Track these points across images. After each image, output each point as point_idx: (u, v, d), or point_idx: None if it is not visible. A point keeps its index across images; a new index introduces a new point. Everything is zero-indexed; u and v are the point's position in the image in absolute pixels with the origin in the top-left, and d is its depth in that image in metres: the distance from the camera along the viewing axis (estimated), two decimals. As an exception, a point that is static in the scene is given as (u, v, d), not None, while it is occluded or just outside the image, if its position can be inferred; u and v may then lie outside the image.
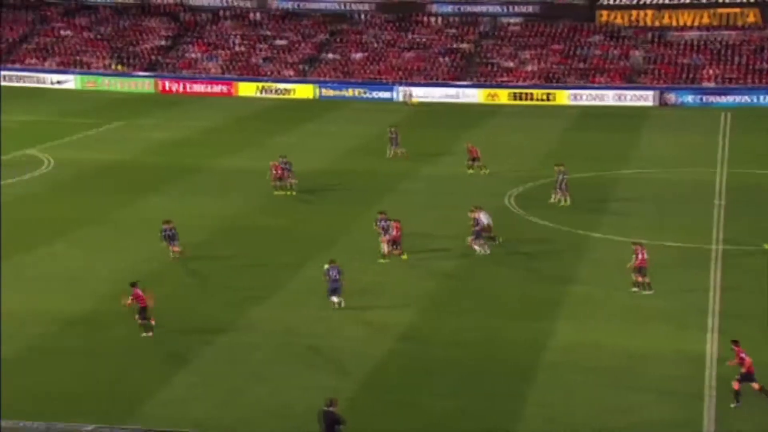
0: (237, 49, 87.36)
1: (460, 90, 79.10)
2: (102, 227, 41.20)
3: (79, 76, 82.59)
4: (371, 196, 45.55)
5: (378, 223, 37.40)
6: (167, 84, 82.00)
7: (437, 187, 48.63)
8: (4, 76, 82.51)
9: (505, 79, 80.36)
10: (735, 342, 25.67)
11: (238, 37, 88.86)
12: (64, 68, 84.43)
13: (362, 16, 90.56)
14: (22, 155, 54.07)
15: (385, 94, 79.54)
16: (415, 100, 77.46)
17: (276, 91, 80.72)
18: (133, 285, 30.16)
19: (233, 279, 35.01)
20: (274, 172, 46.68)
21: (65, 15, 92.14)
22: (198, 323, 31.00)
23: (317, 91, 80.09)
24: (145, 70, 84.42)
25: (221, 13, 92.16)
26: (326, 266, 32.18)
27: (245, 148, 58.33)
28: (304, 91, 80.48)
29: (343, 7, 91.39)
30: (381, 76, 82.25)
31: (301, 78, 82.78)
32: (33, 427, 20.86)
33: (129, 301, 29.96)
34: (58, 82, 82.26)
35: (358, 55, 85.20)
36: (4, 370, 26.86)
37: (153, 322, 29.99)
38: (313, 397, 24.55)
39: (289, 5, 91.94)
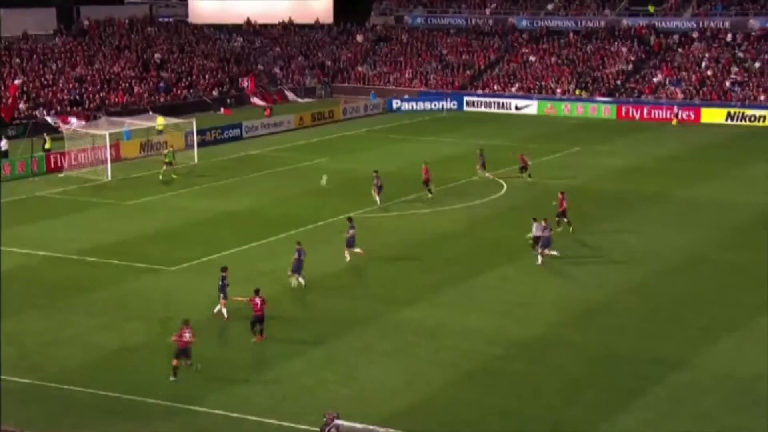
0: (706, 72, 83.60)
1: None
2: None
3: (539, 102, 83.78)
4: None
5: None
6: (627, 109, 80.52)
7: None
8: (468, 102, 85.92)
9: None
10: (185, 322, 27.59)
11: (708, 60, 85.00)
12: (525, 93, 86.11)
13: None
14: (479, 179, 55.20)
15: None
16: None
17: (746, 117, 75.98)
18: (256, 292, 30.62)
19: (686, 314, 33.48)
20: None
21: (532, 41, 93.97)
22: (647, 358, 29.62)
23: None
24: (606, 95, 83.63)
25: (693, 35, 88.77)
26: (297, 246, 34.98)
27: (708, 178, 55.53)
28: (778, 117, 74.97)
29: None
30: None
31: (777, 104, 77.29)
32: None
33: (246, 301, 30.85)
34: (517, 108, 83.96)
35: None
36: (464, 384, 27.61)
37: (262, 336, 30.37)
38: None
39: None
